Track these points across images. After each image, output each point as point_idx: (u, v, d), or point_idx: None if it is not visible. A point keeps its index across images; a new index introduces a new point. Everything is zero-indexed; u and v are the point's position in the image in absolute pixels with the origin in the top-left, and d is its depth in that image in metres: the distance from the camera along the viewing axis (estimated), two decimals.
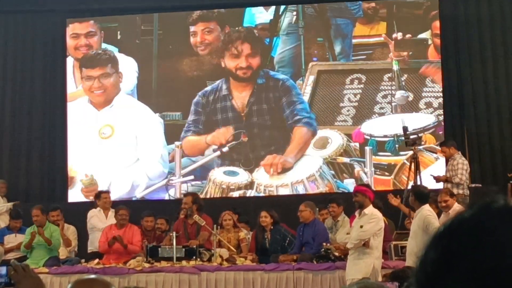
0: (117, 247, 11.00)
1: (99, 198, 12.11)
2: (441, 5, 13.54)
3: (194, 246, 10.61)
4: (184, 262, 10.44)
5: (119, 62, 14.27)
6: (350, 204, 9.99)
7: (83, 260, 11.29)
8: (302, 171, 13.46)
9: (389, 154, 13.33)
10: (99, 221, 11.85)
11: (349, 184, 13.15)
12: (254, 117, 13.77)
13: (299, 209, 10.62)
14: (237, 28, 14.06)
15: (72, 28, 14.46)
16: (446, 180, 11.25)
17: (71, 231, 12.03)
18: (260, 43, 14.01)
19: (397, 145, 13.22)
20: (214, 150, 13.81)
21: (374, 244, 9.08)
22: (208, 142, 13.81)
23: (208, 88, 13.96)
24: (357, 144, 13.47)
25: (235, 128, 13.80)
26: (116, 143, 14.03)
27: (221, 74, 14.00)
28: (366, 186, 10.30)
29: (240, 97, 13.87)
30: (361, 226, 9.07)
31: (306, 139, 13.59)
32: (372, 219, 9.09)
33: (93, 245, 11.70)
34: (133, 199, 13.74)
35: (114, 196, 12.59)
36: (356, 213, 9.46)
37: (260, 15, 14.12)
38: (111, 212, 11.87)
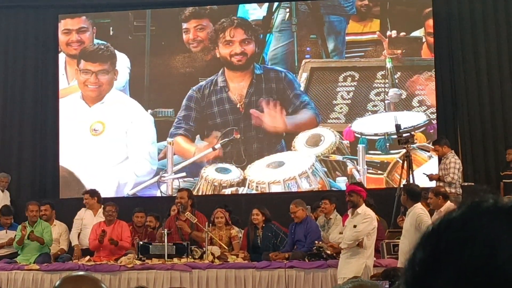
0: (107, 243, 10.96)
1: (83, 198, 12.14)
2: (434, 2, 13.53)
3: (185, 243, 10.58)
4: (175, 260, 10.42)
5: (117, 59, 14.23)
6: (342, 202, 9.96)
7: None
8: (294, 168, 13.44)
9: (379, 152, 13.32)
10: (87, 220, 11.81)
11: (341, 182, 13.14)
12: (252, 108, 13.73)
13: (291, 211, 10.53)
14: (231, 17, 14.02)
15: (64, 24, 14.40)
16: (438, 178, 11.25)
17: (62, 229, 11.95)
18: (253, 30, 13.94)
19: (387, 144, 13.21)
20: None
21: (367, 244, 9.06)
22: (197, 160, 13.75)
23: (203, 82, 13.92)
24: (349, 142, 13.47)
25: (233, 120, 13.75)
26: (107, 139, 13.99)
27: (214, 70, 13.96)
28: (359, 185, 10.27)
29: (238, 88, 13.81)
30: (355, 226, 9.05)
31: (309, 119, 13.55)
32: (366, 219, 9.06)
33: (83, 242, 11.68)
34: (125, 195, 13.71)
35: (102, 194, 12.45)
36: (349, 212, 9.43)
37: (253, 12, 14.10)
38: (101, 209, 11.83)
